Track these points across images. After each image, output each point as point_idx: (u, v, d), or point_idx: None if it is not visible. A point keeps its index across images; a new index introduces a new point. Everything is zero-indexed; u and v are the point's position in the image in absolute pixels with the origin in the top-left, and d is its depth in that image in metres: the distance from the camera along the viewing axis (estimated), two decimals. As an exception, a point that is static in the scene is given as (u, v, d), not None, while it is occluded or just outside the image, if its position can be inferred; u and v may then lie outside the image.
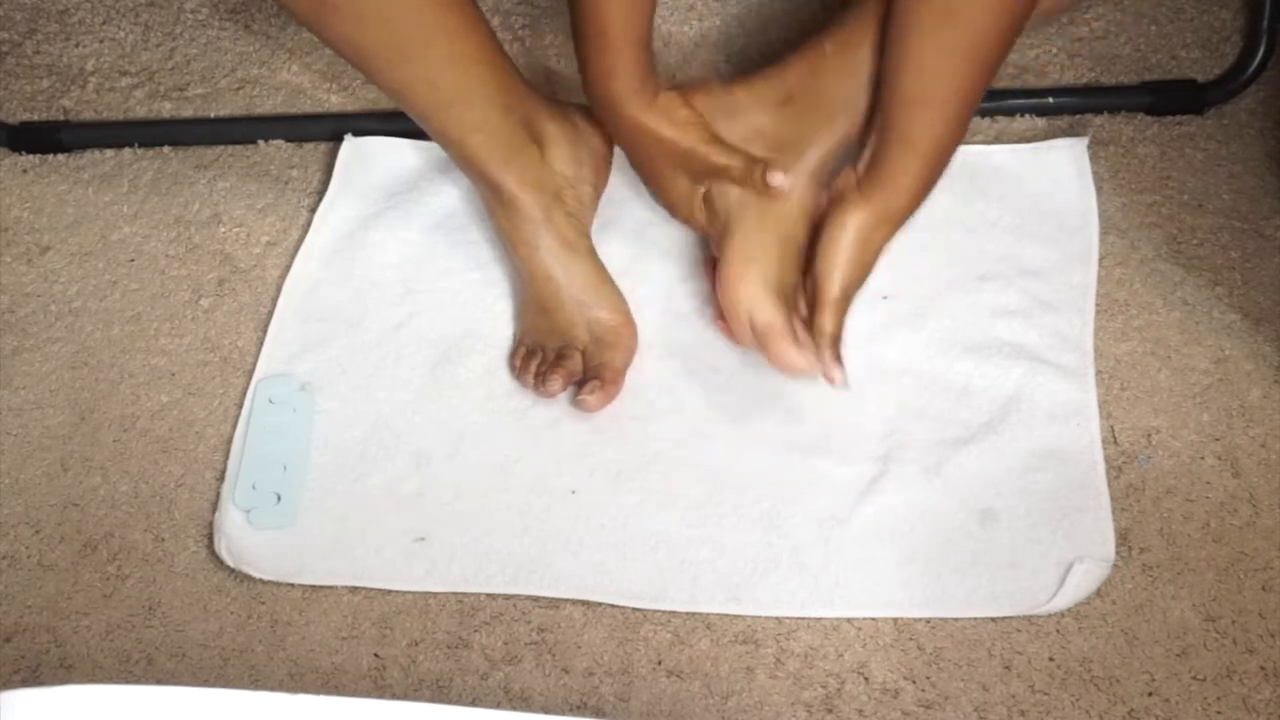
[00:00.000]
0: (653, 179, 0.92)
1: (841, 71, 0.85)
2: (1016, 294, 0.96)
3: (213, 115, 1.14)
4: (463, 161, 0.93)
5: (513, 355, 0.95)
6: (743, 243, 0.87)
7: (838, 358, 0.83)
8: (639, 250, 1.00)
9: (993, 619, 0.82)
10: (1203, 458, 0.88)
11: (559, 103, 0.98)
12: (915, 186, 0.82)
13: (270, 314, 1.00)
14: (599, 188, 1.00)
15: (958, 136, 0.82)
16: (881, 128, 0.82)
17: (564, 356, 0.92)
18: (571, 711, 0.80)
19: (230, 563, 0.87)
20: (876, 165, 0.82)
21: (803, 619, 0.83)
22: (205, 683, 0.83)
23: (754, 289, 0.85)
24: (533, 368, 0.93)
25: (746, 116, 0.88)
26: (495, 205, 0.94)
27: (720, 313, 0.90)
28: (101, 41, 1.16)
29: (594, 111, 0.91)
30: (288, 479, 0.91)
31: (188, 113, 1.14)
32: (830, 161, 0.87)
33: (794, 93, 0.87)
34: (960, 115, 0.82)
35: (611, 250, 0.98)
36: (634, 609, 0.84)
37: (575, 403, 0.91)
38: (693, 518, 0.87)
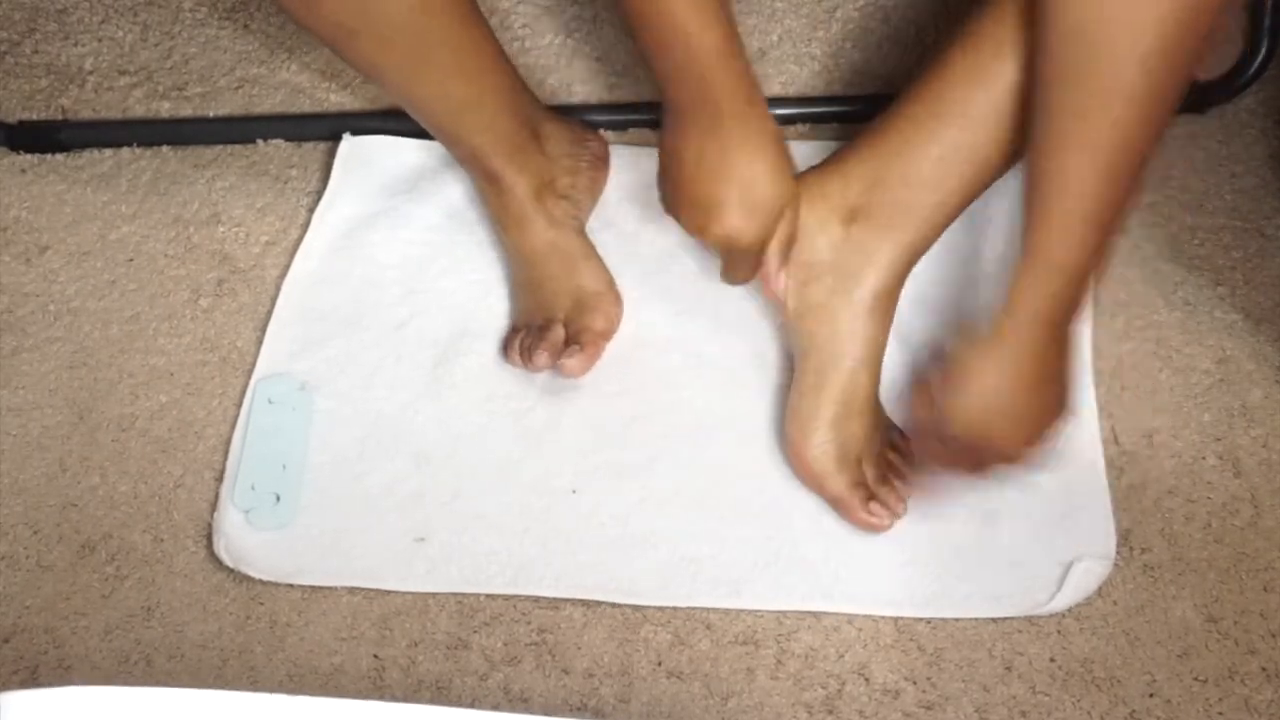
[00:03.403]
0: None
1: (905, 181, 0.81)
2: None
3: (211, 114, 1.14)
4: (465, 158, 0.95)
5: (506, 340, 0.96)
6: (806, 399, 0.85)
7: None
8: (636, 250, 1.00)
9: (993, 619, 0.82)
10: (1204, 458, 0.88)
11: (556, 111, 1.01)
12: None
13: (269, 314, 1.00)
14: (596, 186, 1.02)
15: (1105, 254, 0.73)
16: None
17: (546, 329, 0.93)
18: (571, 712, 0.80)
19: (229, 563, 0.87)
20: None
21: (803, 620, 0.83)
22: (204, 684, 0.83)
23: (821, 460, 0.85)
24: (517, 344, 0.93)
25: (809, 242, 0.84)
26: (490, 191, 0.95)
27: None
28: (100, 41, 1.16)
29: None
30: (287, 479, 0.90)
31: (186, 112, 1.14)
32: (894, 284, 0.84)
33: (856, 207, 0.82)
34: (1110, 233, 0.72)
35: (609, 250, 0.97)
36: (634, 609, 0.84)
37: (556, 368, 0.91)
38: (694, 514, 0.87)
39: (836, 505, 0.86)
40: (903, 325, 0.94)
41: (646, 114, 1.08)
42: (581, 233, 0.97)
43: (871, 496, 0.84)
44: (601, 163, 1.03)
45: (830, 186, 0.83)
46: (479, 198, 0.99)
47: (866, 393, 0.85)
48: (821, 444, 0.85)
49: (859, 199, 0.82)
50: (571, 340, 0.92)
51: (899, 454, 0.87)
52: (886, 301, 0.84)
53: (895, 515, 0.85)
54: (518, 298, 0.97)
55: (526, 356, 0.92)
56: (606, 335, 0.95)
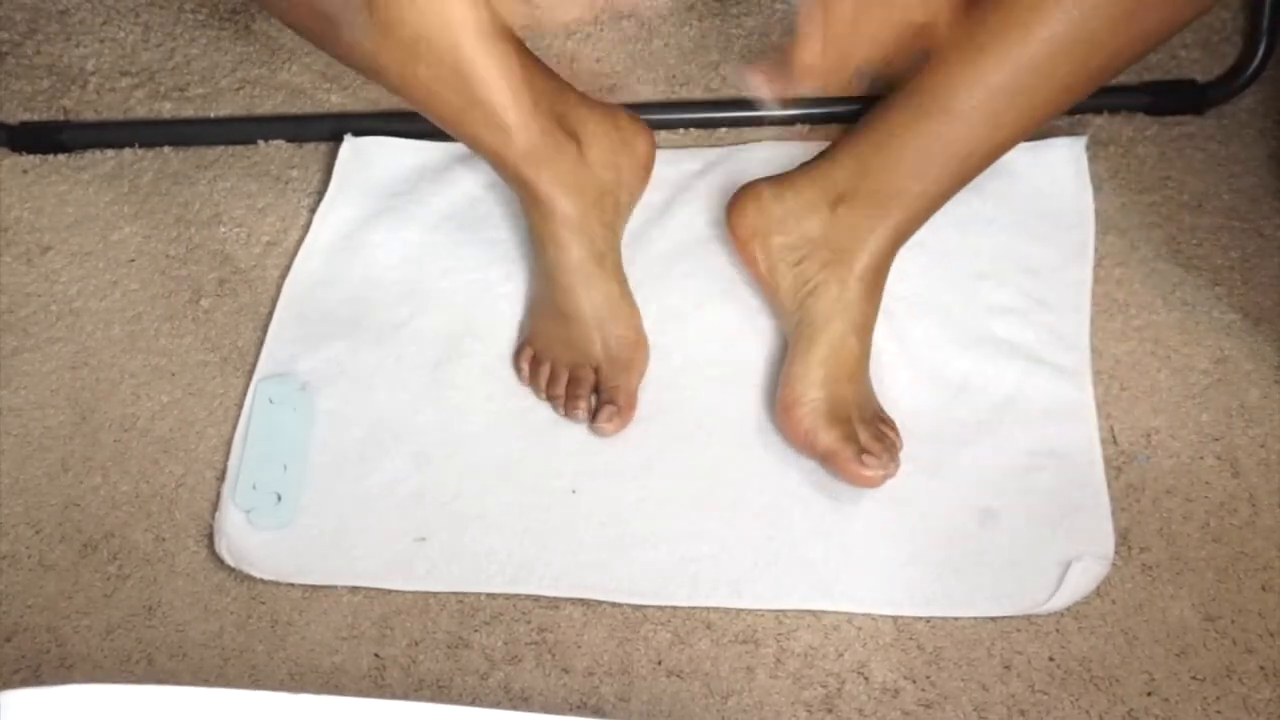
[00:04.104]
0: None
1: (888, 169, 0.85)
2: (1013, 292, 0.96)
3: (213, 115, 1.14)
4: (494, 162, 0.89)
5: (518, 355, 0.95)
6: (796, 364, 0.87)
7: None
8: (639, 250, 1.00)
9: (992, 618, 0.82)
10: (1202, 458, 0.88)
11: (599, 101, 0.95)
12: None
13: (270, 314, 1.00)
14: (636, 195, 0.98)
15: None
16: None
17: (579, 381, 0.91)
18: (571, 711, 0.80)
19: (230, 563, 0.87)
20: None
21: (803, 619, 0.83)
22: (205, 682, 0.83)
23: (811, 417, 0.86)
24: (543, 380, 0.92)
25: (799, 223, 0.89)
26: (530, 206, 0.90)
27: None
28: (102, 42, 1.16)
29: None
30: (288, 479, 0.91)
31: (188, 113, 1.14)
32: (882, 262, 0.88)
33: (844, 192, 0.87)
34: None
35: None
36: (634, 608, 0.84)
37: (592, 429, 0.91)
38: (694, 514, 0.87)
39: (828, 459, 0.85)
40: (903, 325, 0.94)
41: (648, 114, 1.08)
42: (620, 268, 0.94)
43: (864, 450, 0.84)
44: (643, 170, 0.97)
45: (820, 172, 0.89)
46: (520, 209, 0.93)
47: (856, 357, 0.87)
48: (812, 402, 0.86)
49: (846, 184, 0.87)
50: (607, 398, 0.91)
51: (890, 428, 0.88)
52: (874, 278, 0.88)
53: (887, 472, 0.84)
54: (541, 317, 0.95)
55: (569, 409, 0.91)
56: (638, 388, 0.93)
